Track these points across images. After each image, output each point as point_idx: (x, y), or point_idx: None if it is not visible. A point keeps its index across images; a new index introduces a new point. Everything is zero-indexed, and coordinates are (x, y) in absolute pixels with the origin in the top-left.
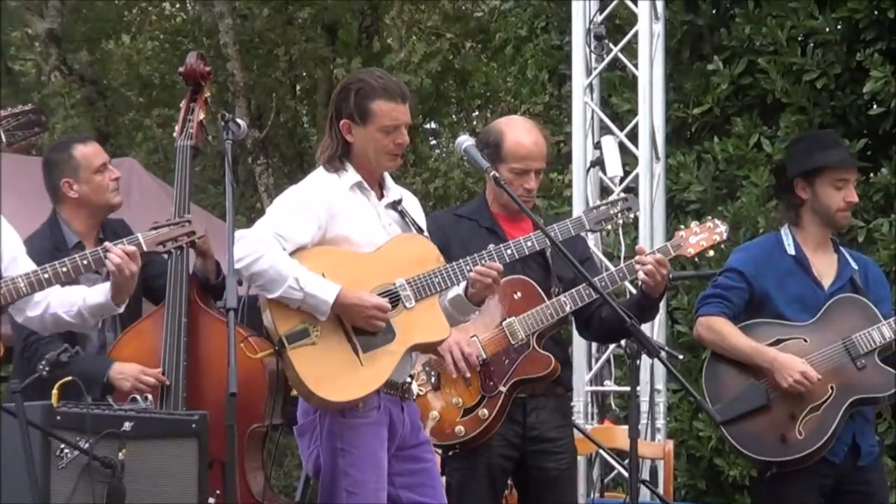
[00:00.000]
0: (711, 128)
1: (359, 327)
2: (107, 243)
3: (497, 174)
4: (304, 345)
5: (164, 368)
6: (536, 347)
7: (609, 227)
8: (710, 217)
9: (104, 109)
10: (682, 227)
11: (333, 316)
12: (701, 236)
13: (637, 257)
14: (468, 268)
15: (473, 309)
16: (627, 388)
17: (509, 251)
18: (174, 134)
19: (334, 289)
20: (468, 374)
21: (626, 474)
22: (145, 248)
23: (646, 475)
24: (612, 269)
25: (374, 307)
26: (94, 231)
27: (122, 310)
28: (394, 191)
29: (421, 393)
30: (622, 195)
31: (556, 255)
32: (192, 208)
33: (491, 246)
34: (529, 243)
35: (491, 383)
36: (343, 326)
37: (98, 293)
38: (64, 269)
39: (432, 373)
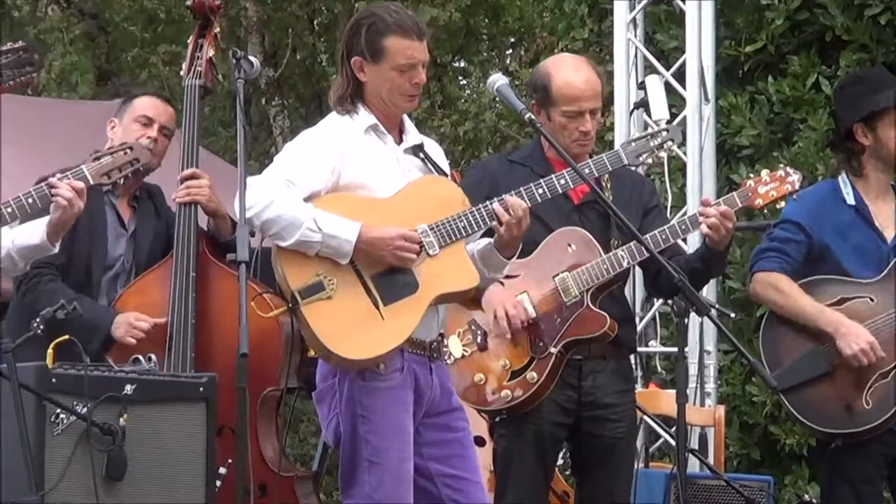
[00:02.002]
0: (765, 67)
1: (380, 275)
2: (51, 178)
3: (533, 116)
4: (318, 299)
5: (171, 327)
6: (591, 305)
7: (650, 160)
8: (781, 164)
9: (105, 46)
10: (751, 175)
11: (350, 268)
12: (771, 186)
13: (700, 209)
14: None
15: (503, 262)
16: (674, 349)
17: (540, 190)
18: (181, 72)
19: (355, 227)
20: (508, 335)
21: (672, 443)
22: (91, 182)
23: (694, 444)
24: (675, 221)
25: (399, 237)
26: (128, 190)
27: (57, 249)
28: (414, 135)
29: (466, 353)
30: (663, 126)
31: (617, 204)
32: (200, 153)
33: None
34: (563, 181)
35: (541, 344)
36: (361, 278)
37: (29, 233)
38: (9, 210)
39: (478, 332)
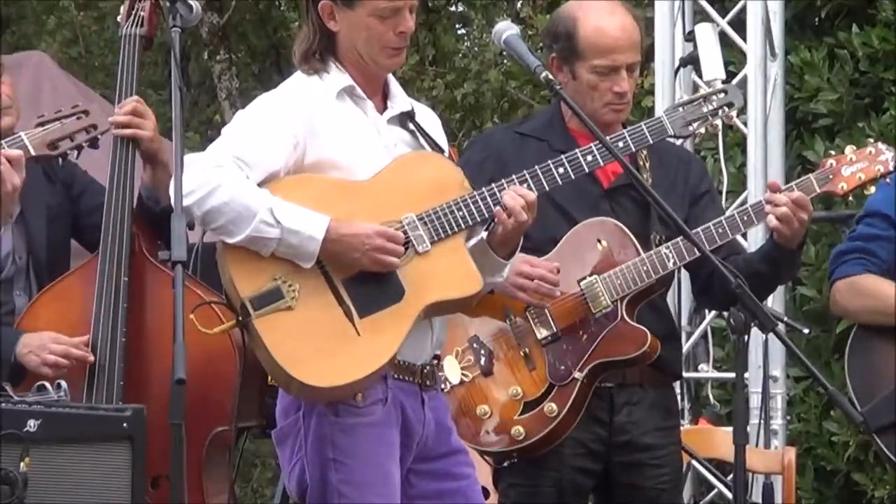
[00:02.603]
0: (848, 13)
1: (355, 279)
2: None
3: (551, 76)
4: (276, 310)
5: (95, 344)
6: (626, 318)
7: (702, 130)
8: (869, 139)
9: None
10: (831, 152)
11: (316, 271)
12: (858, 167)
13: (766, 195)
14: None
15: (501, 263)
16: (731, 375)
17: (561, 170)
18: (119, 18)
19: (322, 220)
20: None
21: (729, 495)
22: (33, 152)
23: (757, 496)
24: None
25: (378, 234)
26: None
27: None
28: (401, 100)
29: (466, 379)
30: (720, 86)
31: (659, 189)
32: None
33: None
34: (590, 158)
35: (562, 367)
36: (330, 283)
37: None
38: None
39: (482, 351)
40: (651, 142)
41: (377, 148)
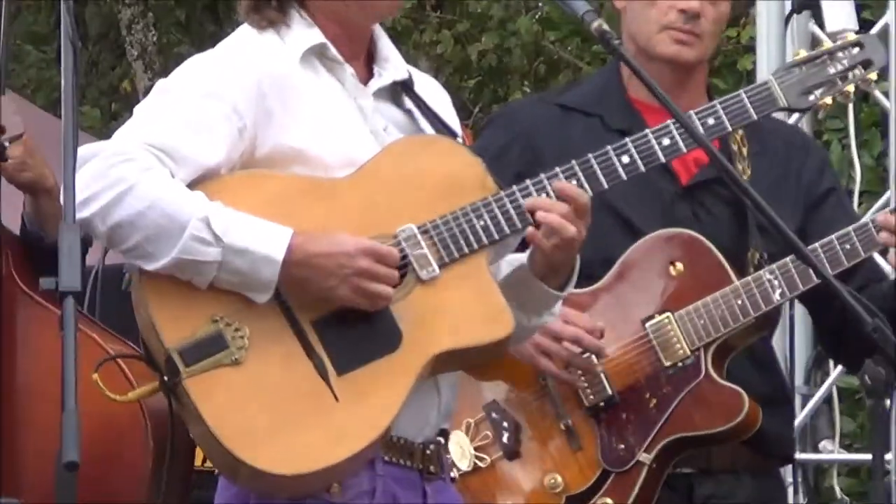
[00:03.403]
0: None
1: (329, 320)
2: None
3: (602, 23)
4: (216, 366)
5: None
6: (714, 374)
7: (827, 100)
8: None
9: None
10: None
11: (273, 308)
12: None
13: None
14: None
15: (550, 296)
16: (867, 457)
17: (625, 158)
18: None
19: (282, 234)
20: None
21: None
22: None
23: None
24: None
25: (363, 253)
26: None
27: None
28: (394, 65)
29: (481, 464)
30: (852, 38)
31: (760, 186)
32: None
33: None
34: (667, 142)
35: (621, 447)
36: (295, 325)
37: None
38: None
39: (504, 423)
40: (755, 117)
41: (360, 132)
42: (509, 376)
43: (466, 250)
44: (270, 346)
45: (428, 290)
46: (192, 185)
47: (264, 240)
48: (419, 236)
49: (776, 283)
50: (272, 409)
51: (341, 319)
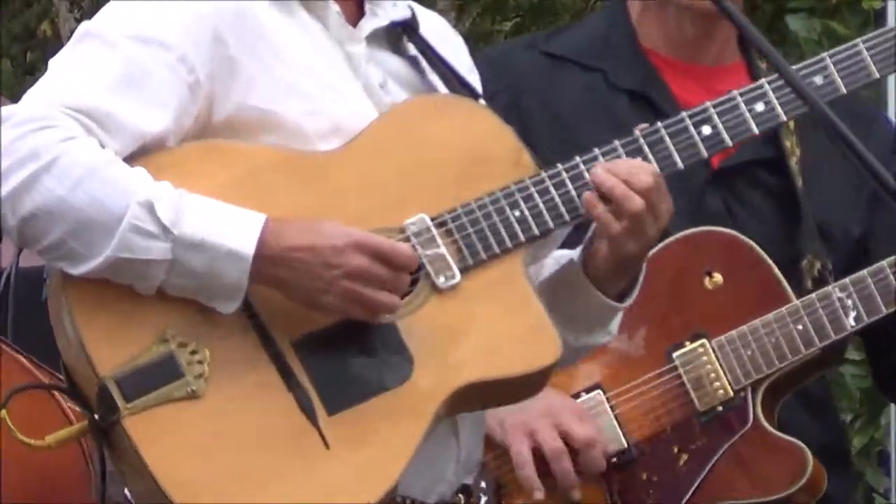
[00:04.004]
0: None
1: (316, 341)
2: None
3: None
4: (166, 400)
5: None
6: (764, 422)
7: None
8: None
9: None
10: None
11: (241, 321)
12: None
13: None
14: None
15: (610, 308)
16: None
17: (707, 129)
18: None
19: (252, 222)
20: (538, 494)
21: None
22: None
23: None
24: None
25: (358, 248)
26: None
27: None
28: (393, 2)
29: None
30: None
31: (813, 171)
32: None
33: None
34: (761, 106)
35: None
36: (269, 345)
37: None
38: None
39: (482, 484)
40: (876, 75)
41: (349, 88)
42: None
43: (497, 249)
44: (238, 374)
45: (446, 302)
46: (129, 160)
47: (228, 229)
48: (434, 230)
49: (849, 303)
50: (240, 460)
51: (332, 340)
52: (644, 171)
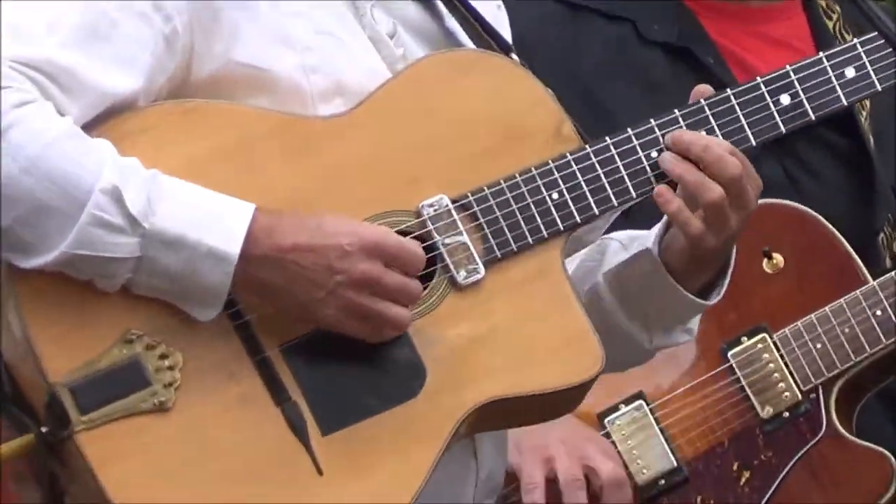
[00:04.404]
0: None
1: (309, 348)
2: None
3: None
4: (130, 413)
5: None
6: (840, 428)
7: None
8: None
9: None
10: None
11: (223, 325)
12: None
13: None
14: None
15: (691, 305)
16: None
17: (786, 98)
18: None
19: (238, 214)
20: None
21: None
22: None
23: None
24: None
25: (365, 249)
26: None
27: None
28: None
29: None
30: None
31: (890, 136)
32: None
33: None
34: (852, 72)
35: None
36: (255, 351)
37: None
38: None
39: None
40: None
41: (354, 41)
42: None
43: (530, 239)
44: (215, 383)
45: (467, 300)
46: (92, 125)
47: (211, 222)
48: (455, 214)
49: None
50: (216, 488)
51: (329, 346)
52: (725, 151)
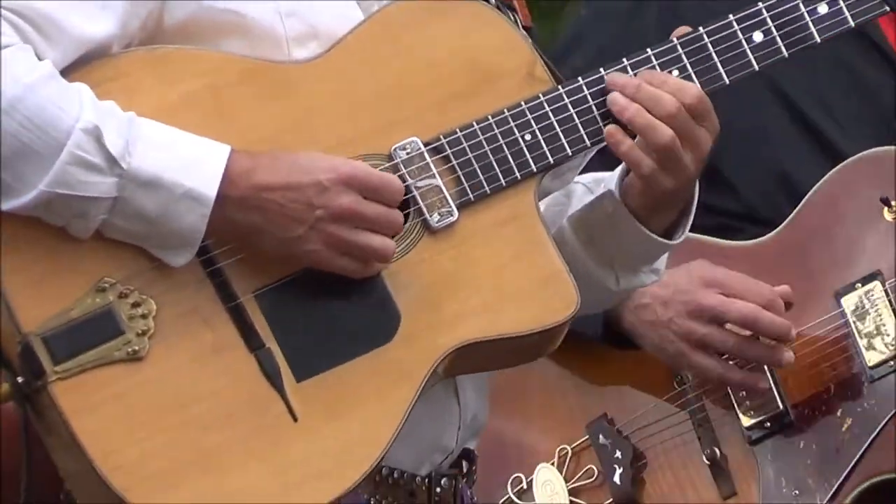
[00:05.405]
0: None
1: (284, 292)
2: None
3: None
4: (103, 361)
5: None
6: None
7: None
8: None
9: None
10: None
11: (196, 272)
12: None
13: None
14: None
15: (654, 244)
16: None
17: (758, 35)
18: None
19: (214, 155)
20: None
21: None
22: None
23: None
24: None
25: (344, 180)
26: None
27: None
28: None
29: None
30: None
31: None
32: None
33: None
34: (824, 8)
35: (795, 492)
36: (228, 298)
37: None
38: None
39: (617, 453)
40: None
41: None
42: (630, 377)
43: (503, 181)
44: (189, 331)
45: (441, 244)
46: (68, 71)
47: (187, 163)
48: (428, 157)
49: None
50: (191, 435)
51: (303, 291)
52: (677, 91)
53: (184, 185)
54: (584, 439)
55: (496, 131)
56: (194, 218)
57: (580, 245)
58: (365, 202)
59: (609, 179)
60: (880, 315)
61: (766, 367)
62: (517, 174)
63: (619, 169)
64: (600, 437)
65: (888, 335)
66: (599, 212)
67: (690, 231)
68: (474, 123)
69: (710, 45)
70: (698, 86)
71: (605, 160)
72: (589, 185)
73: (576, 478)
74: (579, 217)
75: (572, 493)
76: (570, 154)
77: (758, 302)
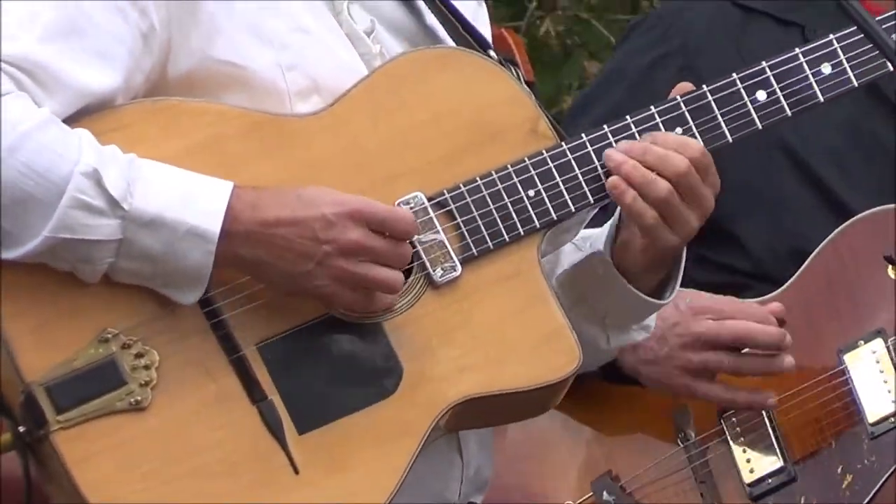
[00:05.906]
0: None
1: (286, 342)
2: None
3: None
4: (106, 412)
5: None
6: None
7: None
8: None
9: None
10: None
11: (200, 316)
12: None
13: None
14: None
15: (644, 304)
16: None
17: (762, 94)
18: None
19: (217, 191)
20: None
21: None
22: None
23: None
24: None
25: (351, 216)
26: None
27: None
28: None
29: None
30: None
31: None
32: None
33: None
34: (828, 69)
35: None
36: (229, 346)
37: None
38: None
39: (605, 496)
40: None
41: (330, 36)
42: (635, 427)
43: (506, 237)
44: (192, 382)
45: (444, 299)
46: (70, 122)
47: (189, 201)
48: (432, 212)
49: None
50: (192, 486)
51: (306, 343)
52: (681, 147)
53: (187, 223)
54: (588, 496)
55: (500, 187)
56: (200, 255)
57: (570, 304)
58: (372, 235)
59: (596, 238)
60: (882, 372)
61: (767, 425)
62: (520, 230)
63: (607, 226)
64: (605, 493)
65: (890, 392)
66: (588, 272)
67: (700, 288)
68: (478, 179)
69: (713, 103)
70: (700, 142)
71: (608, 216)
72: (577, 243)
73: None
74: (569, 276)
75: None
76: (574, 210)
77: (749, 319)
